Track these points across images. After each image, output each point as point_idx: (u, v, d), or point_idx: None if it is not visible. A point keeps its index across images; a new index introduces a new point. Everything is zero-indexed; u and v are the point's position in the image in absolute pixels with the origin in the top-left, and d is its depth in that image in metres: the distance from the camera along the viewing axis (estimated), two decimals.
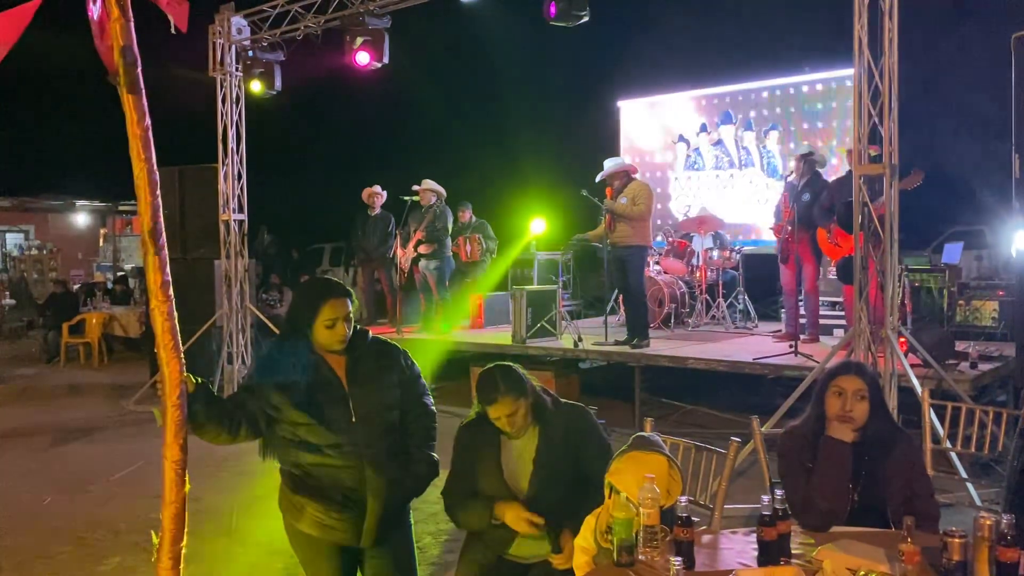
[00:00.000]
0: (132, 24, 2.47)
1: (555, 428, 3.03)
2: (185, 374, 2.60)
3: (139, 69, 2.47)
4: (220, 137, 9.52)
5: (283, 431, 2.90)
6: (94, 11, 2.51)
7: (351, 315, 2.89)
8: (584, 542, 2.60)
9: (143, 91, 2.49)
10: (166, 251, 2.55)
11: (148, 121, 2.50)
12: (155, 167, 2.52)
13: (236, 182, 9.53)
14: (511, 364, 3.08)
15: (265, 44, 9.33)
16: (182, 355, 2.59)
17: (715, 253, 9.81)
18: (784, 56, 11.57)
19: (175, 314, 2.56)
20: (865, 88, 5.74)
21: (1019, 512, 2.81)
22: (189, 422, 2.64)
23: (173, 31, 2.70)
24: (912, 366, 5.77)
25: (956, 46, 11.47)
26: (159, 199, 2.53)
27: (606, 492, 2.53)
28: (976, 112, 11.13)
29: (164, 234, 2.54)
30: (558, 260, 11.53)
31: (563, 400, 3.16)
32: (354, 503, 2.86)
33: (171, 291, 2.56)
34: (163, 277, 2.53)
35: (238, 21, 9.29)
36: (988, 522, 2.16)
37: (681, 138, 12.29)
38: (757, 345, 8.06)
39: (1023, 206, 5.42)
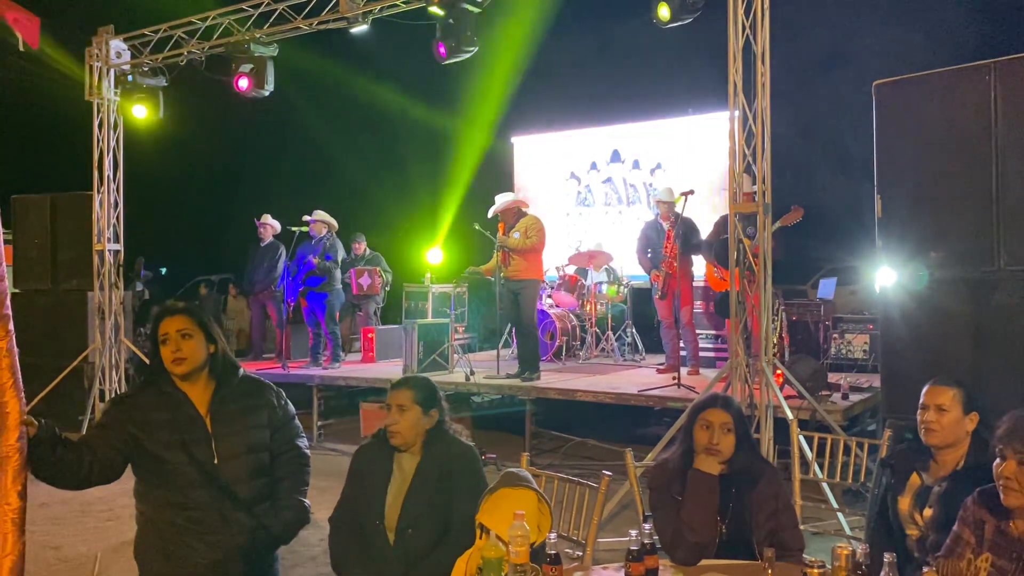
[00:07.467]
0: None
1: (439, 459, 3.01)
2: (26, 416, 2.44)
3: None
4: (96, 164, 9.10)
5: (140, 472, 2.76)
6: None
7: (189, 332, 2.78)
8: None
9: None
10: (6, 283, 2.40)
11: None
12: None
13: (112, 210, 9.12)
14: (431, 380, 3.21)
15: (146, 69, 9.01)
16: (23, 395, 2.44)
17: (604, 287, 9.98)
18: (670, 98, 11.95)
19: (16, 350, 2.42)
20: (739, 130, 5.95)
21: (879, 539, 2.92)
22: (31, 467, 2.47)
23: (22, 48, 2.56)
24: (788, 398, 5.95)
25: (831, 92, 12.11)
26: None
27: (477, 533, 2.49)
28: (849, 154, 11.74)
29: (4, 264, 2.39)
30: (451, 293, 11.47)
31: (461, 439, 3.14)
32: (215, 549, 2.72)
33: (11, 325, 2.41)
34: (2, 311, 2.38)
35: (117, 44, 8.94)
36: (844, 552, 2.21)
37: (572, 175, 12.52)
38: (644, 377, 8.18)
39: (885, 245, 5.68)
